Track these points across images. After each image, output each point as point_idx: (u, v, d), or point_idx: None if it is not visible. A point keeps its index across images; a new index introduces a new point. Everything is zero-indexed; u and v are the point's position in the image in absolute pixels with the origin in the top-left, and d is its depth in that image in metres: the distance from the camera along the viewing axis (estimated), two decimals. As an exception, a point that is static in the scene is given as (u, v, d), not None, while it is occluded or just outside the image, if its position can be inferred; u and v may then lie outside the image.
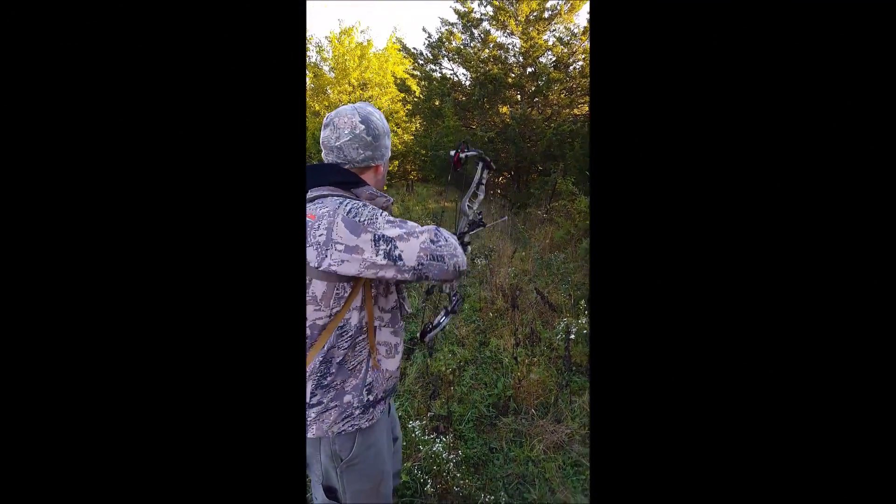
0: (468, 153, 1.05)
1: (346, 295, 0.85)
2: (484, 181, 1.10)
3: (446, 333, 2.68)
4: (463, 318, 2.92)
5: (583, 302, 2.81)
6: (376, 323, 0.92)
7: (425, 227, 0.85)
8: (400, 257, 0.80)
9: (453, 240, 0.87)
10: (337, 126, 0.89)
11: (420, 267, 0.81)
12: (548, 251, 4.34)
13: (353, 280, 0.85)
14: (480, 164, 1.09)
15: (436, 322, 1.11)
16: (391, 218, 0.84)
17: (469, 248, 1.02)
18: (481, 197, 1.10)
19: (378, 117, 0.93)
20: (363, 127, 0.88)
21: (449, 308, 1.13)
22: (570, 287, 3.32)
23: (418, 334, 1.14)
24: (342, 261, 0.80)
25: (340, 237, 0.79)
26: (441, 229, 0.87)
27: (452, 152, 1.04)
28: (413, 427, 1.72)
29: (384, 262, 0.80)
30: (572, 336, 2.46)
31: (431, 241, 0.83)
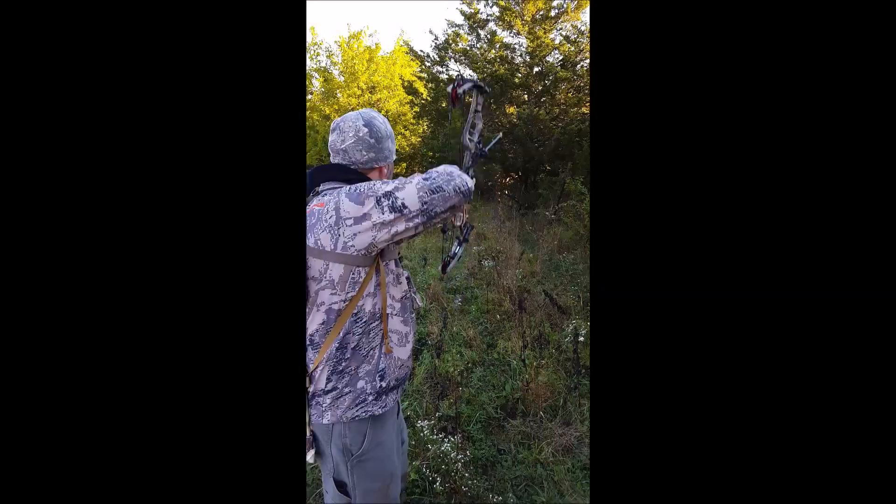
0: (464, 87, 1.04)
1: (361, 280, 0.89)
2: (480, 108, 1.09)
3: (454, 335, 2.70)
4: (470, 319, 2.94)
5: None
6: (388, 311, 0.96)
7: (415, 174, 0.90)
8: (403, 205, 0.84)
9: (446, 167, 0.91)
10: (342, 130, 0.96)
11: (425, 206, 0.85)
12: (556, 252, 4.34)
13: (368, 265, 0.89)
14: (475, 92, 1.09)
15: (452, 253, 1.17)
16: (386, 181, 0.89)
17: (475, 180, 1.03)
18: (480, 125, 1.10)
19: (381, 121, 0.98)
20: (366, 130, 0.95)
21: (461, 238, 1.18)
22: (579, 289, 3.33)
23: (439, 268, 1.17)
24: (355, 234, 0.84)
25: (348, 212, 0.84)
26: (430, 170, 0.91)
27: (450, 88, 1.05)
28: (422, 427, 1.75)
29: (391, 216, 0.84)
30: (581, 338, 2.47)
31: (424, 179, 0.87)
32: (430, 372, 2.29)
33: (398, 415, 1.10)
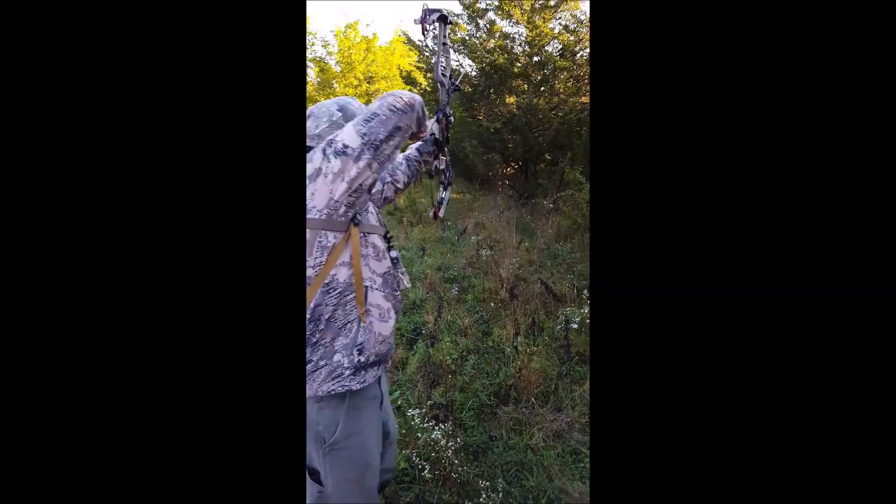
0: (433, 17, 1.00)
1: (330, 245, 0.86)
2: (446, 39, 1.05)
3: (449, 324, 2.70)
4: (466, 308, 2.93)
5: (585, 292, 2.81)
6: (367, 283, 0.92)
7: None
8: (345, 146, 0.81)
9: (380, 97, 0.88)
10: (316, 116, 0.94)
11: (365, 138, 0.81)
12: (554, 241, 4.32)
13: (337, 230, 0.86)
14: (440, 24, 1.05)
15: (439, 199, 1.17)
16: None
17: (452, 118, 0.99)
18: (450, 57, 1.08)
19: (357, 106, 0.96)
20: (340, 115, 0.93)
21: (445, 182, 1.18)
22: (574, 277, 3.31)
23: (431, 215, 1.20)
24: (312, 193, 0.82)
25: None
26: None
27: (419, 21, 1.00)
28: (412, 415, 1.75)
29: (338, 163, 0.81)
30: (574, 325, 2.46)
31: (360, 116, 0.84)
32: (423, 361, 2.29)
33: (381, 404, 1.06)
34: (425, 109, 0.94)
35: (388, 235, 1.06)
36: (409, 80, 7.73)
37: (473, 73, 7.13)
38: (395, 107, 0.83)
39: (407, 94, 0.86)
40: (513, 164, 7.36)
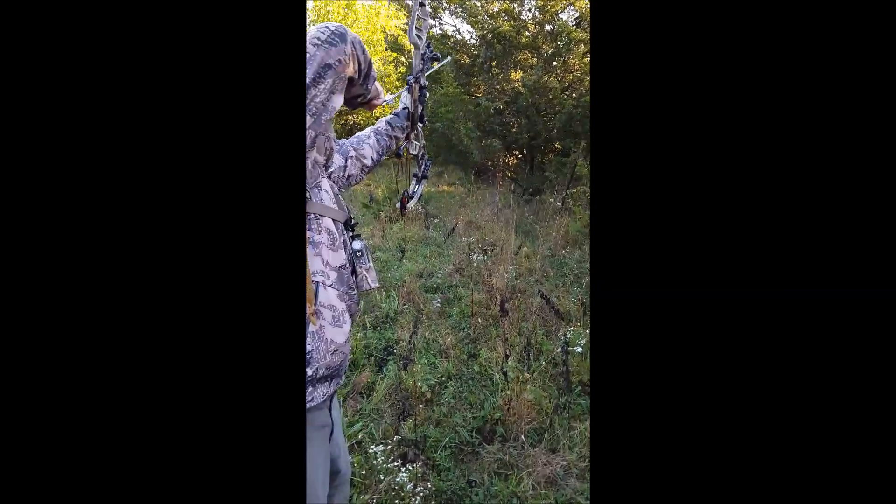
0: None
1: None
2: (424, 1, 1.09)
3: (428, 343, 2.69)
4: (450, 324, 2.92)
5: (594, 309, 2.82)
6: (320, 278, 0.91)
7: None
8: None
9: None
10: None
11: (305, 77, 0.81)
12: (560, 247, 4.34)
13: None
14: None
15: (410, 192, 1.22)
16: None
17: (427, 93, 1.02)
18: (428, 21, 1.11)
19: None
20: None
21: (419, 174, 1.24)
22: (582, 290, 3.32)
23: (398, 206, 1.26)
24: None
25: None
26: None
27: None
28: (375, 453, 1.73)
29: None
30: (579, 349, 2.46)
31: None
32: (394, 387, 2.27)
33: (332, 435, 1.05)
34: (365, 50, 0.93)
35: (353, 223, 1.05)
36: (396, 47, 7.75)
37: (473, 41, 7.16)
38: (318, 39, 0.82)
39: (333, 25, 0.85)
40: (515, 152, 7.41)
